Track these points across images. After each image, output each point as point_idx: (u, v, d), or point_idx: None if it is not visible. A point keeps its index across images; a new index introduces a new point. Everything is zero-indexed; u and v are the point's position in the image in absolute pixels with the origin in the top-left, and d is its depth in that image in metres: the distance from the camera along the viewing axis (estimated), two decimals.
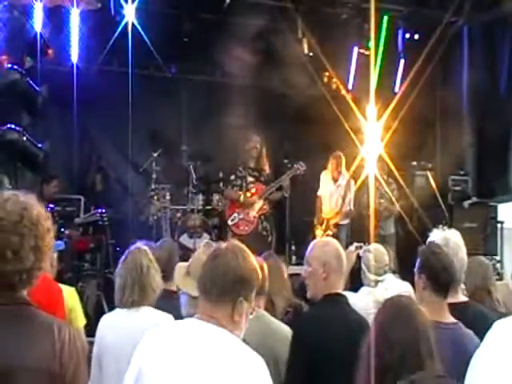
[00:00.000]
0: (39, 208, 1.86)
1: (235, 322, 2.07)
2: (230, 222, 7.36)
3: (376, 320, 2.25)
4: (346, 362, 2.78)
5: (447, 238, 3.14)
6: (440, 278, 2.84)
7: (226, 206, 7.67)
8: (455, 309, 2.90)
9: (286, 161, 7.62)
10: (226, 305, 2.07)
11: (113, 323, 3.30)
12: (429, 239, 3.19)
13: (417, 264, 2.95)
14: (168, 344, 2.06)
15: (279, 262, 3.78)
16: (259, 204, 7.31)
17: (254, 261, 2.20)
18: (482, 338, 2.72)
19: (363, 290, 3.78)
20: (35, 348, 1.76)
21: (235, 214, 7.33)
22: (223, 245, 2.23)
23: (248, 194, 7.29)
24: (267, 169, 7.52)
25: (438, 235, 3.18)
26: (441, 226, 3.35)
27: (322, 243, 3.18)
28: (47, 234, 1.85)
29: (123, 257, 3.35)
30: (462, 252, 3.16)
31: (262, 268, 3.33)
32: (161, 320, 3.14)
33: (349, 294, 3.32)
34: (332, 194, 7.97)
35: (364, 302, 3.21)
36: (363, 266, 4.04)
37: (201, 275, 2.13)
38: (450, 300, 2.91)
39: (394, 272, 4.86)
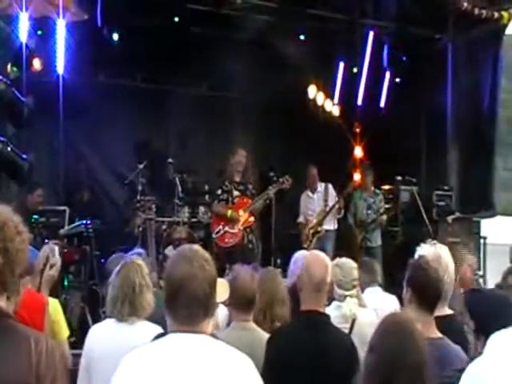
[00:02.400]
0: (9, 213, 1.87)
1: (211, 324, 2.11)
2: (214, 235, 7.35)
3: (381, 342, 2.20)
4: (308, 376, 2.85)
5: (439, 254, 3.15)
6: (427, 293, 2.84)
7: (212, 219, 7.66)
8: (441, 322, 2.89)
9: (271, 174, 7.63)
10: (209, 316, 2.08)
11: (103, 334, 3.27)
12: (418, 253, 3.19)
13: (405, 278, 2.95)
14: (160, 361, 2.00)
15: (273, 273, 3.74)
16: (244, 217, 7.32)
17: (208, 256, 2.12)
18: (465, 352, 2.75)
19: (333, 304, 3.79)
20: (11, 360, 1.74)
21: (220, 227, 7.32)
22: (181, 258, 2.10)
23: (239, 212, 7.30)
24: (253, 182, 7.55)
25: (428, 250, 3.18)
26: (430, 240, 3.36)
27: (298, 257, 3.21)
28: (17, 236, 1.84)
29: (117, 268, 3.31)
30: (452, 267, 3.17)
31: (253, 279, 3.34)
32: (152, 333, 3.10)
33: None
34: (313, 204, 8.18)
35: (332, 317, 3.24)
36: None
37: (179, 304, 2.04)
38: (437, 313, 2.91)
39: (380, 285, 4.87)
